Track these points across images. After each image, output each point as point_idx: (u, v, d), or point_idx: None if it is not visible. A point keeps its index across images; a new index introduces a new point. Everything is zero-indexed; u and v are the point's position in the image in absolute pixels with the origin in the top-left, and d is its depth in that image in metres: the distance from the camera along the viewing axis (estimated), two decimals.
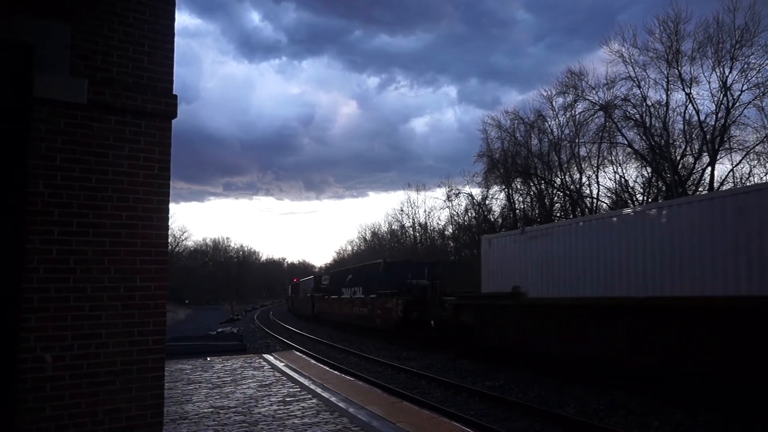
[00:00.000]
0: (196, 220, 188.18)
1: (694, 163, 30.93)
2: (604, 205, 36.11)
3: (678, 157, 31.48)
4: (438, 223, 61.06)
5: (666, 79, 30.94)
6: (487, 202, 45.87)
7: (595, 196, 37.22)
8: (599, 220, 14.67)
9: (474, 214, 48.43)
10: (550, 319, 13.41)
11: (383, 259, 30.49)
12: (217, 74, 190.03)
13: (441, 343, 19.15)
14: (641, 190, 34.99)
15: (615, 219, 13.96)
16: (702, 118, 30.23)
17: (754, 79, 27.83)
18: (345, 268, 40.86)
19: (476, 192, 46.77)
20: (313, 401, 7.82)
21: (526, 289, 15.35)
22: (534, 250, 16.04)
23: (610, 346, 11.60)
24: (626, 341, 11.24)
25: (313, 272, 59.04)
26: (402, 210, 68.01)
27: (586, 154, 36.86)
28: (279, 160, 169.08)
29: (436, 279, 21.64)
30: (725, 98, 28.70)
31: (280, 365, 11.44)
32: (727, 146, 29.28)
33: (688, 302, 10.66)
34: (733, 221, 10.61)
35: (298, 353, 15.21)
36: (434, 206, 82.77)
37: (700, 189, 29.94)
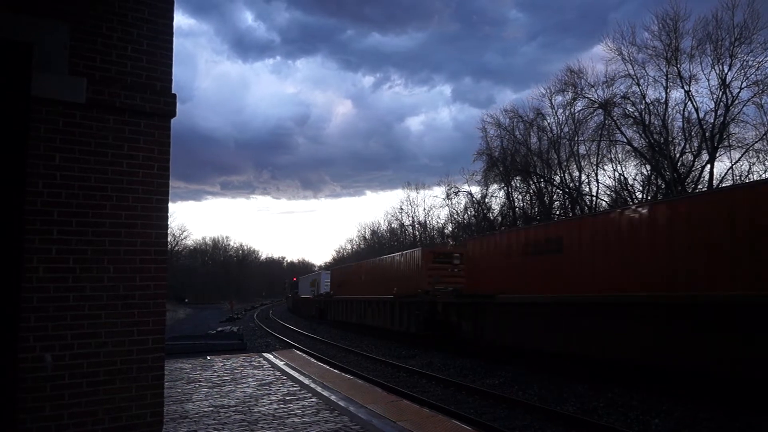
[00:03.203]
0: (194, 219, 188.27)
1: (694, 161, 30.93)
2: (604, 203, 36.13)
3: (677, 155, 31.48)
4: (438, 222, 61.21)
5: (665, 77, 30.96)
6: (486, 200, 45.94)
7: (594, 194, 37.27)
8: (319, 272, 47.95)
9: (473, 213, 48.48)
10: (309, 303, 45.26)
11: (298, 275, 67.45)
12: (211, 74, 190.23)
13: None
14: (641, 188, 35.00)
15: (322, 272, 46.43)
16: (701, 115, 30.24)
17: (753, 76, 27.84)
18: (300, 277, 62.76)
19: (476, 190, 46.83)
20: (313, 400, 7.82)
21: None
22: (305, 281, 49.58)
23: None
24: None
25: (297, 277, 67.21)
26: (402, 209, 68.11)
27: (585, 152, 36.91)
28: (274, 159, 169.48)
29: None
30: (724, 96, 28.71)
31: (280, 364, 11.44)
32: (726, 144, 29.28)
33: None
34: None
35: (298, 352, 15.21)
36: (434, 204, 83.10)
37: (699, 186, 29.94)
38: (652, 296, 10.90)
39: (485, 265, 17.25)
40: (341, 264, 68.69)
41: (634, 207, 13.83)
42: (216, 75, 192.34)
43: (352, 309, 30.22)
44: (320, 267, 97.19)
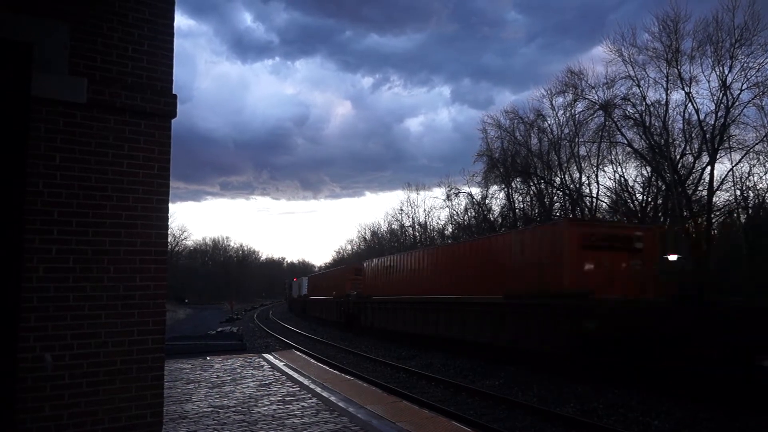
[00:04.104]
0: (194, 219, 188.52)
1: (694, 163, 30.91)
2: (604, 204, 36.14)
3: (677, 157, 31.45)
4: (438, 223, 61.16)
5: (665, 79, 30.92)
6: (486, 201, 45.93)
7: (594, 195, 37.25)
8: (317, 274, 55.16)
9: (474, 214, 48.47)
10: (297, 302, 54.21)
11: (298, 277, 65.14)
12: (211, 74, 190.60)
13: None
14: (641, 190, 35.00)
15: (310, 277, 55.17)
16: (701, 117, 30.18)
17: (753, 78, 27.77)
18: (295, 280, 63.96)
19: (476, 191, 46.84)
20: (313, 400, 7.82)
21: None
22: (296, 284, 55.25)
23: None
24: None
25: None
26: (402, 210, 68.07)
27: (585, 154, 36.87)
28: (274, 160, 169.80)
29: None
30: (725, 97, 28.66)
31: (280, 365, 11.43)
32: (726, 145, 29.23)
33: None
34: None
35: (297, 353, 15.21)
36: (434, 206, 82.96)
37: (699, 188, 29.94)
38: (425, 297, 20.92)
39: (370, 278, 29.32)
40: (340, 265, 69.56)
41: (419, 250, 26.15)
42: (215, 75, 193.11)
43: (316, 306, 42.83)
44: (319, 268, 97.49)
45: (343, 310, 32.07)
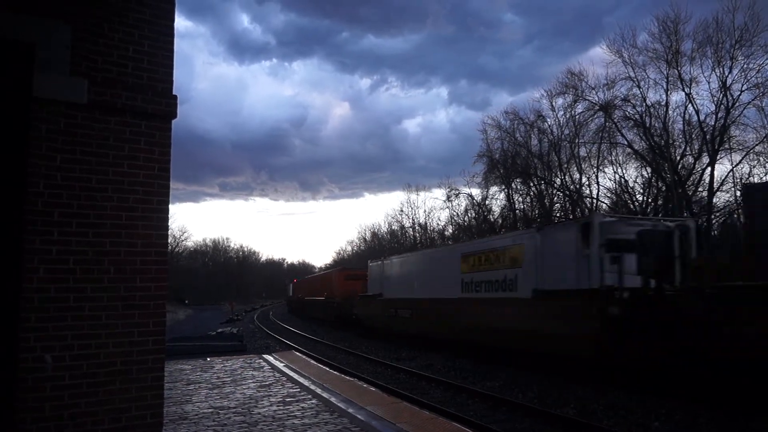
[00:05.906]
0: (194, 220, 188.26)
1: (694, 164, 30.94)
2: (604, 205, 36.13)
3: (678, 158, 31.48)
4: (438, 224, 61.18)
5: (666, 80, 30.98)
6: (486, 202, 45.96)
7: (594, 196, 37.28)
8: None
9: (474, 215, 48.50)
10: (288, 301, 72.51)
11: (295, 277, 74.64)
12: (208, 76, 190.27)
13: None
14: (641, 191, 35.04)
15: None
16: (702, 118, 30.25)
17: (753, 79, 27.84)
18: (294, 281, 73.14)
19: (476, 192, 46.86)
20: (313, 401, 7.82)
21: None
22: (290, 287, 67.31)
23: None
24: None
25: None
26: (402, 210, 68.21)
27: (586, 155, 36.91)
28: (272, 161, 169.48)
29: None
30: (725, 98, 28.70)
31: (280, 365, 11.43)
32: (726, 146, 29.27)
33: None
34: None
35: (297, 353, 15.21)
36: (434, 206, 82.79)
37: (699, 189, 29.96)
38: (324, 298, 38.56)
39: (306, 286, 52.25)
40: (339, 266, 70.12)
41: (317, 273, 67.08)
42: (213, 77, 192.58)
43: (293, 304, 59.64)
44: (319, 269, 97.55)
45: (296, 305, 55.18)
